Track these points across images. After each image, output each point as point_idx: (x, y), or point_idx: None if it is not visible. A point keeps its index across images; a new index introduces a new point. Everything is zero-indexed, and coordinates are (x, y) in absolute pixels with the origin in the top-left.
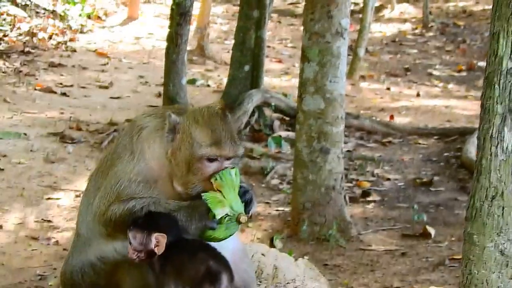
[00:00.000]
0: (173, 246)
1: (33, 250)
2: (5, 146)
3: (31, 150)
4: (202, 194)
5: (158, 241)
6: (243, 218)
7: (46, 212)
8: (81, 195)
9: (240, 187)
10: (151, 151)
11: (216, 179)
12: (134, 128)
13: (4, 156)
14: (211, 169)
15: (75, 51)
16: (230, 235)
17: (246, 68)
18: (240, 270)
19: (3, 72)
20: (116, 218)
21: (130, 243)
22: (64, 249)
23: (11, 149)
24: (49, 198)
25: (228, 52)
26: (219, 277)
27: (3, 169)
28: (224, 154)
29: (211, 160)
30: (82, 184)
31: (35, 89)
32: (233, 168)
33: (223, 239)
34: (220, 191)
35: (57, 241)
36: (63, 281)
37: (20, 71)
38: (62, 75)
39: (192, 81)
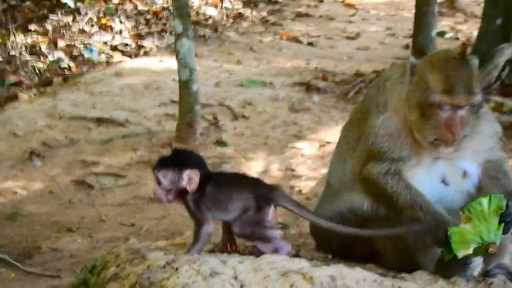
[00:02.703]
0: (205, 183)
1: None
2: (251, 95)
3: (276, 99)
4: (449, 229)
5: (191, 178)
6: (491, 250)
7: (289, 160)
8: (326, 145)
9: (507, 206)
10: (392, 102)
11: (464, 212)
12: (380, 79)
13: (250, 104)
14: (443, 117)
15: (322, 1)
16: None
17: (498, 21)
18: None
19: (250, 21)
20: (370, 178)
21: (159, 183)
22: (307, 198)
23: (256, 97)
24: (293, 147)
25: (479, 5)
26: (274, 194)
27: (248, 117)
28: (456, 103)
29: (442, 107)
30: (327, 134)
31: (281, 39)
32: (487, 196)
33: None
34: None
35: (299, 190)
36: (311, 228)
37: (267, 21)
38: (308, 25)
39: (441, 34)
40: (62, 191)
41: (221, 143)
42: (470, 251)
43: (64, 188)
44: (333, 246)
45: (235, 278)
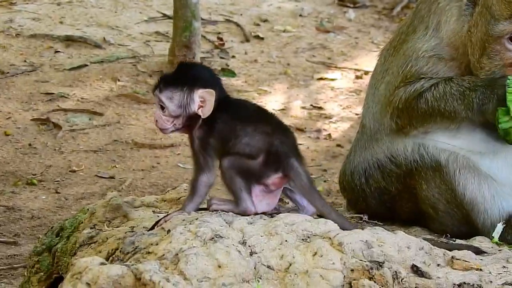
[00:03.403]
0: (220, 110)
1: None
2: (267, 8)
3: (300, 15)
4: (509, 78)
5: (204, 100)
6: None
7: (316, 96)
8: (363, 76)
9: None
10: (446, 26)
11: None
12: None
13: (265, 21)
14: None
15: None
16: None
17: None
18: None
19: None
20: (402, 103)
21: (163, 107)
22: (338, 145)
23: (273, 12)
24: (321, 78)
25: None
26: (287, 163)
27: (263, 38)
28: None
29: (511, 39)
30: (365, 61)
31: None
32: None
33: None
34: None
35: (329, 135)
36: (341, 182)
37: None
38: None
39: None
40: (20, 132)
41: (227, 71)
42: None
43: (23, 128)
44: (369, 205)
45: (243, 243)
